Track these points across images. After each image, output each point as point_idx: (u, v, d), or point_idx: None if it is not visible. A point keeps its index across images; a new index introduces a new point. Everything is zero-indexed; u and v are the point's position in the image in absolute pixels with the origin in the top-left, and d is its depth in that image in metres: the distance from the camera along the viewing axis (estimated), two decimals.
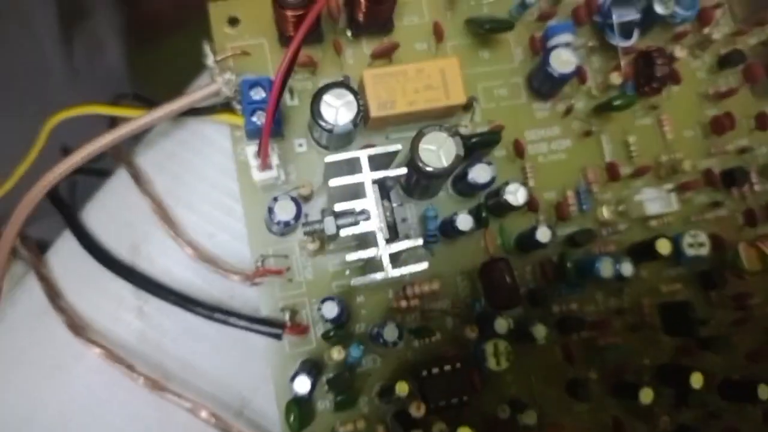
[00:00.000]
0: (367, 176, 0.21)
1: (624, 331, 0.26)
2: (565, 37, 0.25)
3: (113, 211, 0.25)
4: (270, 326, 0.23)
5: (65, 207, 0.24)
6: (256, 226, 0.24)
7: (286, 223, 0.22)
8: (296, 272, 0.24)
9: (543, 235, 0.23)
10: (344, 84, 0.22)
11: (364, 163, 0.21)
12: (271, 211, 0.22)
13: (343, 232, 0.20)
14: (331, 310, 0.22)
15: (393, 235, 0.22)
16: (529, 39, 0.26)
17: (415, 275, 0.22)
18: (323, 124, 0.22)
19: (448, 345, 0.24)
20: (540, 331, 0.23)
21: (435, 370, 0.23)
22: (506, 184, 0.23)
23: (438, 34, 0.25)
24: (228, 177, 0.24)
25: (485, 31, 0.25)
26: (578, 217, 0.26)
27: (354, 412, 0.24)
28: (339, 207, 0.20)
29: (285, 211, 0.22)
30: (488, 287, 0.23)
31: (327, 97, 0.22)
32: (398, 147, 0.21)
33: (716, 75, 0.27)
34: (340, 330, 0.23)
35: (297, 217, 0.22)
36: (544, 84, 0.25)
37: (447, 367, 0.23)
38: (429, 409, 0.23)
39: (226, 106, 0.24)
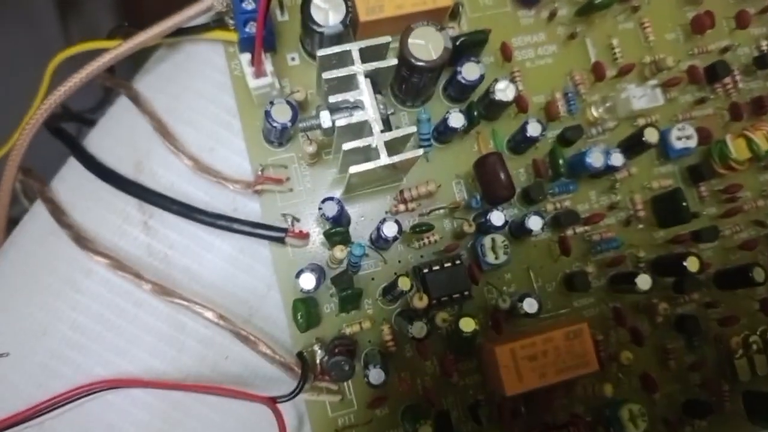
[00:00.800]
0: (359, 68, 0.21)
1: (618, 226, 0.26)
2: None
3: (115, 134, 0.25)
4: (273, 230, 0.23)
5: (67, 136, 0.25)
6: (255, 139, 0.24)
7: (284, 126, 0.22)
8: (296, 182, 0.24)
9: (534, 129, 0.24)
10: None
11: (356, 56, 0.21)
12: (268, 114, 0.22)
13: (339, 123, 0.21)
14: (331, 209, 0.23)
15: (387, 129, 0.22)
16: None
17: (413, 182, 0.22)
18: (314, 27, 0.22)
19: (447, 244, 0.25)
20: (536, 222, 0.23)
21: (436, 267, 0.24)
22: (495, 81, 0.24)
23: None
24: (225, 93, 0.25)
25: None
26: (567, 118, 0.26)
27: (359, 314, 0.24)
28: (333, 99, 0.21)
29: (281, 114, 0.23)
30: (483, 182, 0.24)
31: (316, 0, 0.23)
32: (388, 38, 0.22)
33: None
34: (340, 233, 0.23)
35: (294, 119, 0.23)
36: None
37: (447, 264, 0.24)
38: (431, 303, 0.23)
39: (218, 23, 0.24)
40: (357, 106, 0.21)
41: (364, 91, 0.21)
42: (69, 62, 0.25)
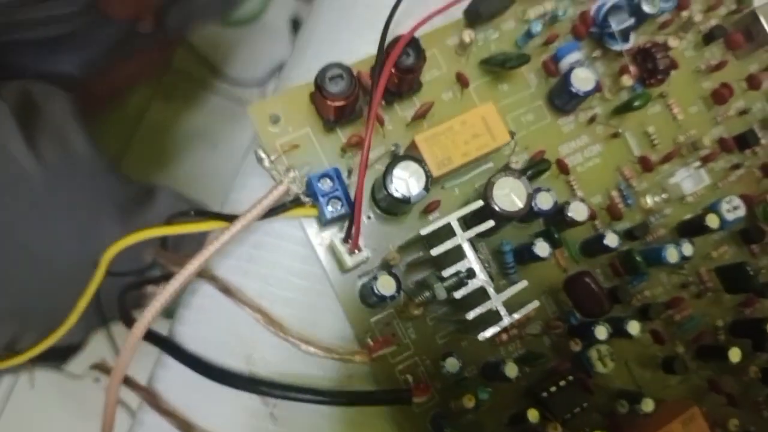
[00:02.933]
0: (462, 237, 0.22)
1: (691, 300, 0.28)
2: (575, 56, 0.28)
3: (214, 329, 0.25)
4: (398, 395, 0.24)
5: (163, 341, 0.25)
6: (352, 304, 0.25)
7: (392, 297, 0.23)
8: (401, 336, 0.25)
9: (611, 240, 0.25)
10: (408, 157, 0.24)
11: (455, 226, 0.22)
12: (374, 290, 0.23)
13: (457, 296, 0.22)
14: (453, 364, 0.24)
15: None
16: (542, 63, 0.28)
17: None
18: (400, 197, 0.23)
19: (553, 362, 0.26)
20: (634, 327, 0.25)
21: (553, 389, 0.25)
22: (567, 203, 0.25)
23: (463, 82, 0.27)
24: (312, 265, 0.25)
25: (507, 69, 0.27)
26: (627, 212, 0.28)
27: None
28: (446, 273, 0.22)
29: (387, 287, 0.23)
30: (578, 300, 0.25)
31: (396, 172, 0.23)
32: (479, 203, 0.23)
33: (702, 51, 0.30)
34: (465, 380, 0.24)
35: (399, 289, 0.23)
36: (568, 102, 0.27)
37: (562, 383, 0.26)
38: (562, 423, 0.25)
39: (294, 201, 0.25)
40: (468, 275, 0.22)
41: (472, 259, 0.22)
42: None
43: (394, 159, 0.23)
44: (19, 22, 0.47)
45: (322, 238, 0.25)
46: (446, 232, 0.22)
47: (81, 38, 0.52)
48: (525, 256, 0.25)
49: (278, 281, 0.25)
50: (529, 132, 0.28)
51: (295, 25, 1.14)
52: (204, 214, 0.25)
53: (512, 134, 0.27)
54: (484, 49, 0.28)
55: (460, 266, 0.22)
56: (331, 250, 0.25)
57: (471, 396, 0.24)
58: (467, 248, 0.22)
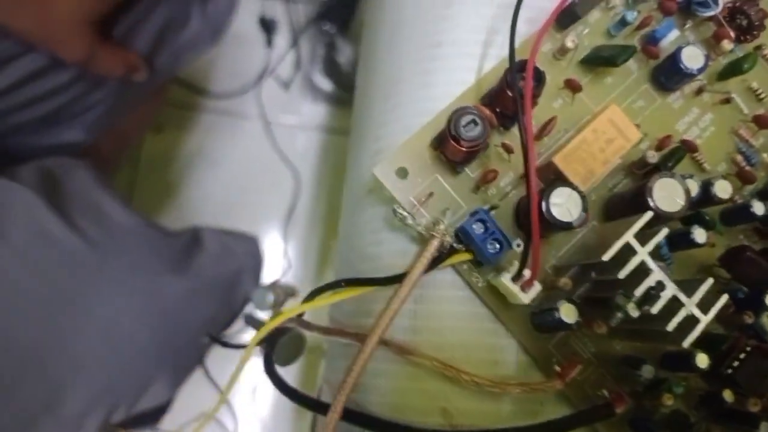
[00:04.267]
0: (642, 252, 0.22)
1: None
2: (674, 33, 0.27)
3: (401, 393, 0.25)
4: (601, 411, 0.24)
5: (365, 417, 0.25)
6: (528, 336, 0.25)
7: (577, 324, 0.23)
8: (581, 352, 0.26)
9: (759, 208, 0.26)
10: (558, 182, 0.23)
11: (635, 244, 0.22)
12: (556, 319, 0.23)
13: (654, 310, 0.22)
14: (650, 371, 0.24)
15: None
16: (642, 49, 0.28)
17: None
18: (563, 224, 0.23)
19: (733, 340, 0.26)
20: None
21: (735, 363, 0.26)
22: (710, 183, 0.25)
23: (574, 87, 0.26)
24: (475, 305, 0.25)
25: (618, 65, 0.26)
26: (754, 171, 0.28)
27: None
28: (638, 291, 0.22)
29: (570, 315, 0.23)
30: (743, 274, 0.26)
31: (553, 200, 0.23)
32: (648, 215, 0.23)
33: None
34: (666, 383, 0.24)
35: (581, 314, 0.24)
36: (678, 81, 0.27)
37: (742, 355, 0.26)
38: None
39: (450, 251, 0.25)
40: (658, 287, 0.22)
41: (658, 271, 0.22)
42: None
43: (546, 188, 0.23)
44: (17, 104, 0.46)
45: (478, 278, 0.25)
46: (625, 251, 0.22)
47: (80, 104, 0.51)
48: (681, 244, 0.25)
49: (450, 330, 0.25)
50: (644, 118, 0.27)
51: (264, 24, 1.11)
52: (362, 282, 0.25)
53: (637, 127, 0.27)
54: (579, 47, 0.27)
55: (649, 281, 0.22)
56: (491, 288, 0.25)
57: (669, 395, 0.24)
58: (650, 262, 0.22)
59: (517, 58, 0.24)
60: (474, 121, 0.23)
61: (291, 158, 1.04)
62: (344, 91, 1.12)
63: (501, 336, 0.25)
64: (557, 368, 0.25)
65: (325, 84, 1.16)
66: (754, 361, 0.25)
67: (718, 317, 0.24)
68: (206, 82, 1.03)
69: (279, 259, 0.96)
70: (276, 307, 0.60)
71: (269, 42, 1.12)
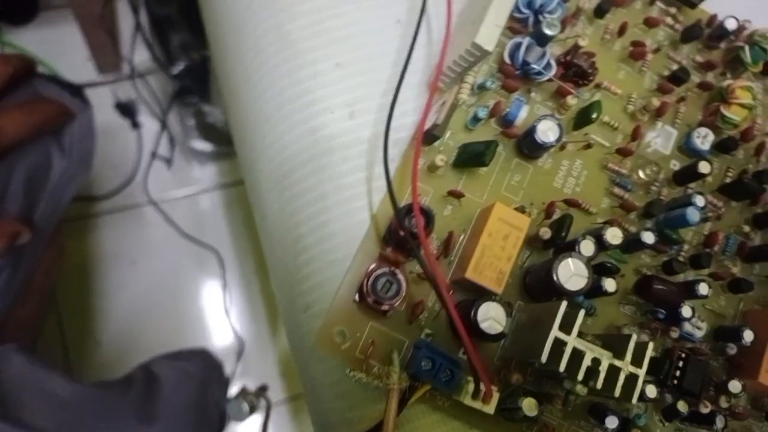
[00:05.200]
0: (572, 341, 0.25)
1: (718, 225, 0.32)
2: (525, 110, 0.29)
3: None
4: None
5: None
6: (504, 427, 0.28)
7: (540, 414, 0.26)
8: (553, 420, 0.28)
9: (648, 237, 0.28)
10: (479, 301, 0.25)
11: (561, 336, 0.25)
12: (520, 414, 0.26)
13: (599, 385, 0.24)
14: (612, 421, 0.27)
15: None
16: (501, 132, 0.30)
17: None
18: (496, 337, 0.25)
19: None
20: (704, 288, 0.28)
21: (677, 374, 0.29)
22: (601, 233, 0.28)
23: (457, 195, 0.28)
24: (448, 422, 0.28)
25: (488, 165, 0.28)
26: (632, 196, 0.31)
27: None
28: (580, 376, 0.25)
29: (531, 408, 0.26)
30: (658, 300, 0.29)
31: (480, 319, 0.25)
32: (564, 305, 0.25)
33: (598, 24, 0.32)
34: None
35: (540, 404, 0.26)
36: (541, 151, 0.29)
37: (680, 364, 0.29)
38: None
39: (410, 391, 0.26)
40: (594, 363, 0.25)
41: (589, 350, 0.25)
42: None
43: (473, 305, 0.25)
44: None
45: (443, 401, 0.27)
46: (556, 343, 0.25)
47: None
48: (596, 294, 0.28)
49: None
50: (524, 190, 0.30)
51: (122, 108, 1.10)
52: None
53: (523, 209, 0.29)
54: (446, 147, 0.29)
55: (586, 362, 0.25)
56: (458, 404, 0.27)
57: (637, 430, 0.27)
58: (580, 346, 0.25)
59: (397, 184, 0.26)
60: (389, 281, 0.25)
61: (200, 229, 1.04)
62: (227, 145, 1.12)
63: None
64: None
65: (206, 146, 1.16)
66: (693, 366, 0.29)
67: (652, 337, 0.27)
68: (91, 188, 1.02)
69: (230, 340, 0.96)
70: (253, 411, 0.61)
71: (134, 125, 1.10)
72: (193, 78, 1.12)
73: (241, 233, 1.08)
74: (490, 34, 0.25)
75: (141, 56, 1.15)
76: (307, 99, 0.29)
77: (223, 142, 1.13)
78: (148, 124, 1.11)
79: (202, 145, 1.13)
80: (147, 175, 1.06)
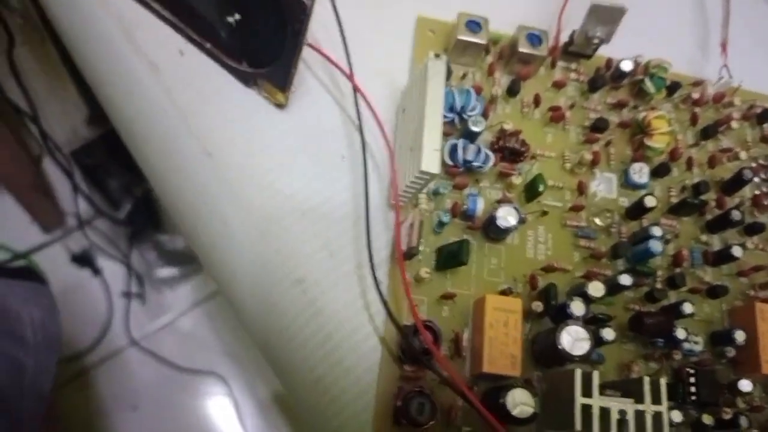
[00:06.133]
0: (596, 401, 0.27)
1: (679, 242, 0.35)
2: (480, 201, 0.32)
3: None
4: None
5: None
6: None
7: None
8: None
9: (626, 280, 0.31)
10: (503, 391, 0.27)
11: (584, 401, 0.27)
12: None
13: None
14: None
15: None
16: (468, 227, 0.32)
17: None
18: (530, 420, 0.27)
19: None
20: (689, 307, 0.31)
21: (692, 389, 0.31)
22: (584, 293, 0.30)
23: (449, 296, 0.31)
24: None
25: (467, 263, 0.31)
26: (596, 243, 0.34)
27: None
28: (613, 428, 0.27)
29: None
30: (652, 332, 0.31)
31: (509, 408, 0.27)
32: (579, 372, 0.27)
33: (513, 101, 0.36)
34: None
35: None
36: (506, 234, 0.32)
37: (692, 380, 0.31)
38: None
39: None
40: (621, 415, 0.27)
41: (614, 405, 0.27)
42: None
43: (499, 393, 0.27)
44: None
45: None
46: (584, 408, 0.27)
47: None
48: (600, 344, 0.31)
49: None
50: (504, 271, 0.32)
51: (79, 260, 1.10)
52: None
53: (510, 290, 0.31)
54: (425, 262, 0.32)
55: (614, 415, 0.27)
56: None
57: None
58: (604, 402, 0.27)
59: (393, 303, 0.28)
60: (420, 403, 0.27)
61: (190, 355, 1.02)
62: (192, 263, 1.13)
63: None
64: None
65: (172, 271, 1.16)
66: (702, 378, 0.31)
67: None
68: (71, 346, 1.02)
69: None
70: None
71: (95, 272, 1.10)
72: (142, 213, 1.13)
73: (232, 343, 1.07)
74: (432, 159, 0.27)
75: (84, 205, 1.15)
76: (284, 253, 0.31)
77: (188, 262, 1.14)
78: (108, 265, 1.10)
79: (168, 272, 1.14)
80: (127, 317, 1.05)
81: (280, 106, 0.33)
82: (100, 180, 1.13)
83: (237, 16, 0.30)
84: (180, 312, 1.09)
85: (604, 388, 0.28)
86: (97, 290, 1.07)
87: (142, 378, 1.03)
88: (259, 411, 1.03)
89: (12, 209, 1.05)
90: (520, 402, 0.27)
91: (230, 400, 1.00)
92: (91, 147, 1.16)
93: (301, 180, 0.32)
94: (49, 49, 0.91)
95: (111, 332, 1.05)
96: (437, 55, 0.29)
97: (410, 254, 0.30)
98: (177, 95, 0.33)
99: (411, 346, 0.27)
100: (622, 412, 0.27)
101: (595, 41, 0.35)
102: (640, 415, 0.27)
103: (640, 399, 0.27)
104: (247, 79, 0.32)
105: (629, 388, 0.28)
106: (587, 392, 0.27)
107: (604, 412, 0.27)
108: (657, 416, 0.27)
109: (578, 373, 0.27)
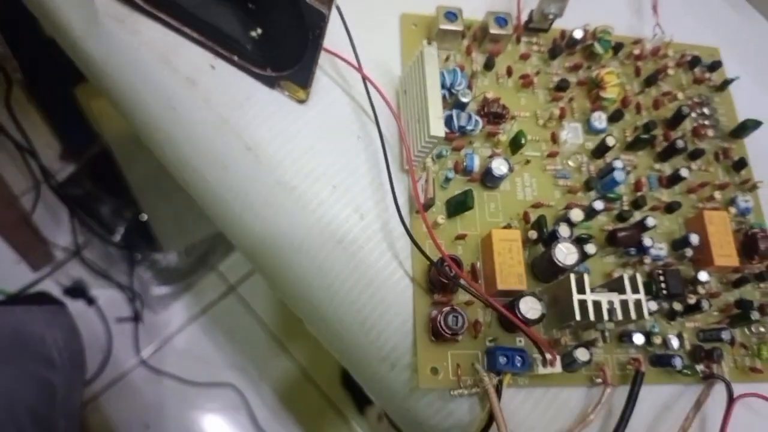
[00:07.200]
0: (589, 296, 0.34)
1: (639, 159, 0.43)
2: (476, 159, 0.39)
3: None
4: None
5: None
6: (573, 377, 0.37)
7: (591, 358, 0.35)
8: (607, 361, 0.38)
9: (576, 216, 0.39)
10: (517, 298, 0.35)
11: (582, 297, 0.34)
12: (582, 362, 0.35)
13: (620, 316, 0.34)
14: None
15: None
16: (469, 179, 0.40)
17: None
18: (538, 320, 0.35)
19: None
20: (651, 221, 0.39)
21: (663, 285, 0.39)
22: (558, 226, 0.38)
23: (462, 236, 0.38)
24: (533, 391, 0.37)
25: (473, 207, 0.38)
26: (574, 182, 0.41)
27: None
28: (608, 323, 0.34)
29: (584, 354, 0.35)
30: (624, 243, 0.39)
31: (523, 309, 0.34)
32: (572, 276, 0.35)
33: (490, 74, 0.43)
34: None
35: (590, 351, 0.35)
36: (499, 180, 0.39)
37: (662, 278, 0.39)
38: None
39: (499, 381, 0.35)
40: (610, 306, 0.34)
41: (604, 299, 0.34)
42: None
43: (513, 305, 0.35)
44: None
45: (524, 380, 0.36)
46: (580, 303, 0.34)
47: None
48: (584, 258, 0.38)
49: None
50: (501, 212, 0.40)
51: (71, 292, 1.14)
52: None
53: (509, 225, 0.39)
54: (437, 213, 0.39)
55: (605, 306, 0.34)
56: (536, 378, 0.36)
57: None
58: (595, 297, 0.34)
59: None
60: (454, 317, 0.34)
61: (196, 369, 1.06)
62: (185, 279, 1.17)
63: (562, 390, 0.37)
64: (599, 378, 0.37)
65: (166, 289, 1.20)
66: (670, 275, 0.39)
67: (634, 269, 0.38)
68: None
69: None
70: None
71: (89, 302, 1.13)
72: (137, 235, 1.17)
73: (233, 353, 1.10)
74: (437, 124, 0.35)
75: (65, 239, 1.18)
76: (324, 221, 0.38)
77: (180, 278, 1.18)
78: (102, 292, 1.13)
79: (163, 290, 1.18)
80: (136, 338, 1.08)
81: (301, 101, 0.40)
82: (91, 209, 1.16)
83: (259, 30, 0.37)
84: (177, 328, 1.13)
85: (593, 289, 0.35)
86: (93, 319, 1.10)
87: (149, 397, 1.06)
88: (270, 414, 1.08)
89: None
90: (531, 307, 0.35)
91: (241, 408, 1.04)
92: (77, 178, 1.20)
93: (327, 159, 0.39)
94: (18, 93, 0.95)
95: (113, 357, 1.09)
96: (429, 43, 0.36)
97: (428, 205, 0.37)
98: (214, 103, 0.39)
99: (443, 273, 0.34)
100: (610, 302, 0.34)
101: (550, 17, 0.43)
102: (624, 304, 0.35)
103: (622, 292, 0.35)
104: (272, 83, 0.39)
105: (613, 287, 0.36)
106: (581, 291, 0.34)
107: (596, 305, 0.34)
108: (637, 303, 0.35)
109: (572, 277, 0.35)
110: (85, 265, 1.14)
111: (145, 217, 1.12)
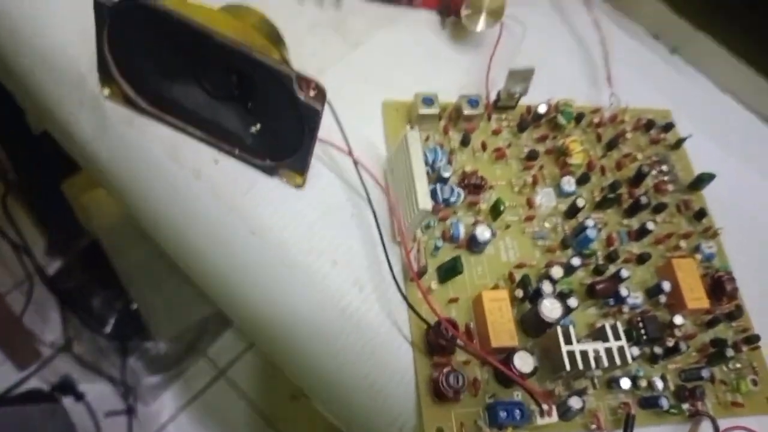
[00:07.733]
0: (576, 347, 0.37)
1: (610, 220, 0.47)
2: (462, 228, 0.43)
3: None
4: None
5: None
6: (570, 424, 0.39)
7: (583, 405, 0.38)
8: (601, 404, 0.40)
9: (556, 273, 0.42)
10: (511, 354, 0.38)
11: (570, 348, 0.37)
12: (576, 410, 0.38)
13: (607, 364, 0.37)
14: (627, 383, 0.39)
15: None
16: (457, 245, 0.43)
17: None
18: (532, 374, 0.37)
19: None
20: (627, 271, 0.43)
21: (643, 332, 0.42)
22: (548, 276, 0.41)
23: (454, 300, 0.41)
24: None
25: (462, 272, 0.41)
26: (548, 243, 0.45)
27: None
28: (597, 371, 0.37)
29: (578, 402, 0.38)
30: (603, 294, 0.43)
31: (517, 365, 0.37)
32: (558, 329, 0.38)
33: (466, 150, 0.48)
34: None
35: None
36: (483, 247, 0.43)
37: (641, 324, 0.43)
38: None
39: None
40: (596, 355, 0.37)
41: (590, 347, 0.37)
42: None
43: (507, 360, 0.37)
44: None
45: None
46: (569, 354, 0.37)
47: None
48: (568, 312, 0.41)
49: None
50: (489, 273, 0.43)
51: (59, 389, 1.13)
52: None
53: (497, 286, 0.42)
54: (429, 279, 0.42)
55: (591, 355, 0.37)
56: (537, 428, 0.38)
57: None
58: (582, 347, 0.37)
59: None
60: (455, 376, 0.37)
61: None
62: (175, 367, 1.18)
63: None
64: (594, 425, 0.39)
65: (156, 379, 1.19)
66: (648, 321, 0.42)
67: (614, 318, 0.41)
68: None
69: None
70: None
71: (78, 398, 1.11)
72: (128, 324, 1.17)
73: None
74: (425, 199, 0.38)
75: (53, 334, 1.18)
76: (328, 293, 0.41)
77: (170, 366, 1.18)
78: (91, 387, 1.12)
79: (153, 380, 1.18)
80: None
81: (298, 187, 0.43)
82: (83, 301, 1.17)
83: (258, 126, 0.41)
84: (168, 419, 1.13)
85: (579, 340, 0.39)
86: (83, 415, 1.08)
87: None
88: None
89: None
90: (524, 362, 0.38)
91: None
92: (67, 272, 1.21)
93: (325, 237, 0.43)
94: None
95: None
96: (412, 127, 0.41)
97: (422, 272, 0.41)
98: (219, 193, 0.43)
99: (441, 335, 0.37)
100: (596, 351, 0.38)
101: (516, 95, 0.48)
102: (609, 351, 0.38)
103: (606, 341, 0.38)
104: (271, 172, 0.43)
105: (597, 336, 0.39)
106: (568, 342, 0.38)
107: (584, 354, 0.37)
108: (621, 350, 0.38)
109: (559, 330, 0.38)
110: (73, 359, 1.13)
111: (135, 305, 1.13)
